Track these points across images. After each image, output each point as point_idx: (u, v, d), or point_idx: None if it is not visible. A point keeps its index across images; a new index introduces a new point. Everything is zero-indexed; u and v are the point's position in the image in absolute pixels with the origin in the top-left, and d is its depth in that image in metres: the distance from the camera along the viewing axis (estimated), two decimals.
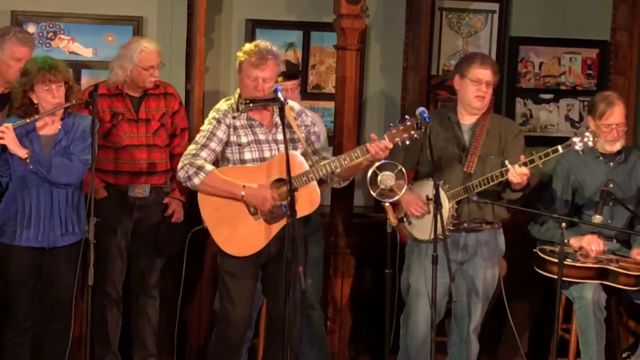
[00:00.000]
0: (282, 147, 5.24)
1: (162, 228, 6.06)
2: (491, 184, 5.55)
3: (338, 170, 5.35)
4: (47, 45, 6.48)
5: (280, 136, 5.30)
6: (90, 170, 5.30)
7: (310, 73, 6.89)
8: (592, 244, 5.88)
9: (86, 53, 6.54)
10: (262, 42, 5.36)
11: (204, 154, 5.30)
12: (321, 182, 5.43)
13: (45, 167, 5.33)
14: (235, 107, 5.37)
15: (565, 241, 5.64)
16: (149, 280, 6.12)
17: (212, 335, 5.69)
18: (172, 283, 6.19)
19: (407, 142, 5.29)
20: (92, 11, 6.52)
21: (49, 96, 5.37)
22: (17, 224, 5.44)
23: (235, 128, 5.34)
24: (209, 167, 5.27)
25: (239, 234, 5.32)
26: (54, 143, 5.45)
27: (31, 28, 6.43)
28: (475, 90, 5.67)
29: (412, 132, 5.24)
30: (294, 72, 6.10)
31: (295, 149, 5.35)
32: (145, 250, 6.09)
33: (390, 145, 5.25)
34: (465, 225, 5.68)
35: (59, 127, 5.48)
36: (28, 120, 5.37)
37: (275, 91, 5.25)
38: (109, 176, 6.01)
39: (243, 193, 5.24)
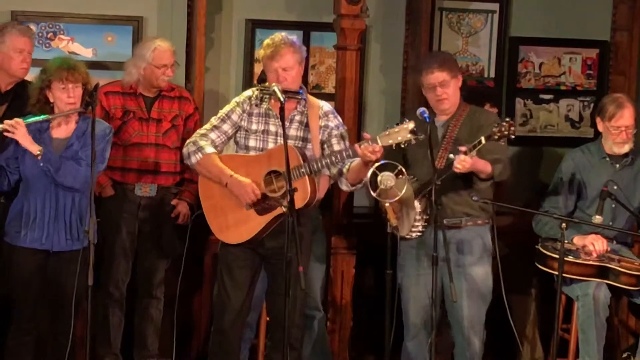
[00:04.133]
0: (289, 141, 5.27)
1: (167, 229, 6.06)
2: (443, 176, 5.35)
3: (334, 167, 5.32)
4: (47, 45, 6.47)
5: (292, 132, 5.37)
6: (99, 172, 5.31)
7: (310, 73, 6.88)
8: (595, 243, 5.88)
9: (86, 53, 6.53)
10: (277, 35, 5.38)
11: (213, 135, 5.38)
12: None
13: (55, 167, 5.32)
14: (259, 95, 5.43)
15: (568, 240, 5.61)
16: (153, 281, 6.13)
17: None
18: (172, 283, 6.18)
19: (403, 146, 5.17)
20: (92, 11, 6.51)
21: (65, 95, 5.36)
22: (22, 224, 5.43)
23: (250, 114, 5.39)
24: (210, 149, 5.34)
25: (230, 221, 5.36)
26: (65, 146, 5.44)
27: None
28: (433, 96, 5.64)
29: (409, 136, 5.12)
30: None
31: (305, 147, 5.37)
32: (150, 251, 6.10)
33: (380, 149, 5.14)
34: (445, 221, 5.56)
35: (73, 130, 5.47)
36: (41, 119, 5.36)
37: (275, 91, 5.24)
38: (115, 173, 6.02)
39: (227, 182, 5.30)
